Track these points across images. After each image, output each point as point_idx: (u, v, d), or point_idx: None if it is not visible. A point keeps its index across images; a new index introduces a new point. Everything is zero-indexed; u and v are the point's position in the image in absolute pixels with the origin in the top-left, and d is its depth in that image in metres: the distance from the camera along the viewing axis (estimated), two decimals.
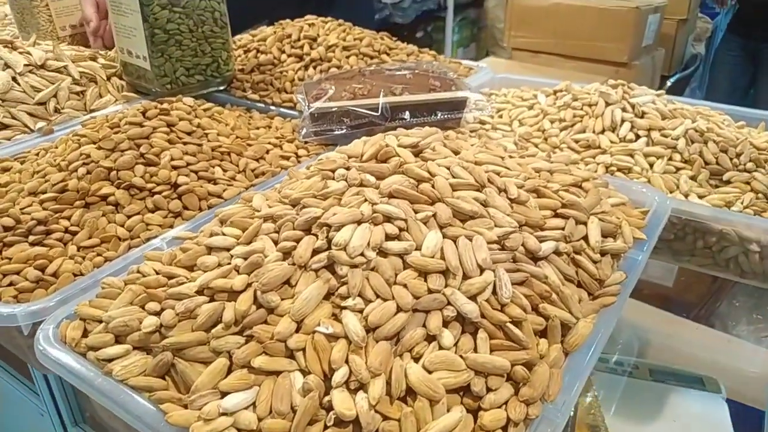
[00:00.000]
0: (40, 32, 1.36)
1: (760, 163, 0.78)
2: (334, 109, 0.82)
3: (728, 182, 0.76)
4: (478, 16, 4.83)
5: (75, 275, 0.59)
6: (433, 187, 0.53)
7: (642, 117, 0.82)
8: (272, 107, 1.01)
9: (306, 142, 0.84)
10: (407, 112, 0.83)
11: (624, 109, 0.83)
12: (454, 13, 4.46)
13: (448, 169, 0.56)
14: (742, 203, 0.71)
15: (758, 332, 0.92)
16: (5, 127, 0.91)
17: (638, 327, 0.89)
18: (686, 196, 0.73)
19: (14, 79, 0.95)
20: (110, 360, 0.45)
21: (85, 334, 0.49)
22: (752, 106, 1.02)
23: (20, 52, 1.01)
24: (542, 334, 0.46)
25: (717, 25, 3.46)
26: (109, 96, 1.03)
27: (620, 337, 0.87)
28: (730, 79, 2.95)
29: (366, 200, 0.51)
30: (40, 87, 0.96)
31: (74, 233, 0.65)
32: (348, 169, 0.57)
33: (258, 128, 0.89)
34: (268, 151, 0.82)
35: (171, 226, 0.67)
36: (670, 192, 0.74)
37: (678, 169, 0.77)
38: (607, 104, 0.84)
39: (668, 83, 2.66)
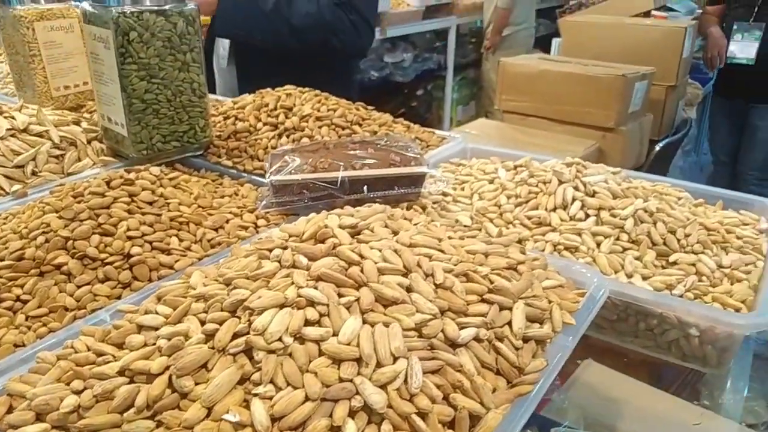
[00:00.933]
0: (36, 92, 1.42)
1: (707, 244, 0.79)
2: (294, 182, 0.84)
3: (674, 263, 0.77)
4: (477, 76, 4.96)
5: (16, 346, 0.61)
6: (361, 271, 0.55)
7: (593, 196, 0.85)
8: (244, 174, 1.04)
9: (266, 213, 0.87)
10: (366, 186, 0.86)
11: (576, 188, 0.85)
12: (454, 72, 4.59)
13: (380, 251, 0.58)
14: (684, 286, 0.72)
15: (748, 401, 0.91)
16: None
17: (609, 398, 0.88)
18: (630, 276, 0.74)
19: None
20: None
21: (11, 410, 0.50)
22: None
23: (5, 117, 1.05)
24: (451, 425, 0.47)
25: (709, 91, 3.54)
26: (88, 160, 1.07)
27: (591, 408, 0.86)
28: (720, 139, 3.06)
29: (293, 283, 0.53)
30: (20, 151, 1.00)
31: (25, 302, 0.67)
32: (285, 248, 0.59)
33: (224, 196, 0.92)
34: (228, 221, 0.84)
35: (119, 297, 0.68)
36: (615, 272, 0.75)
37: (625, 249, 0.78)
38: (560, 182, 0.87)
39: (657, 147, 2.70)
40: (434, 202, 0.93)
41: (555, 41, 3.25)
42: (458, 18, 4.26)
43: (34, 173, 1.00)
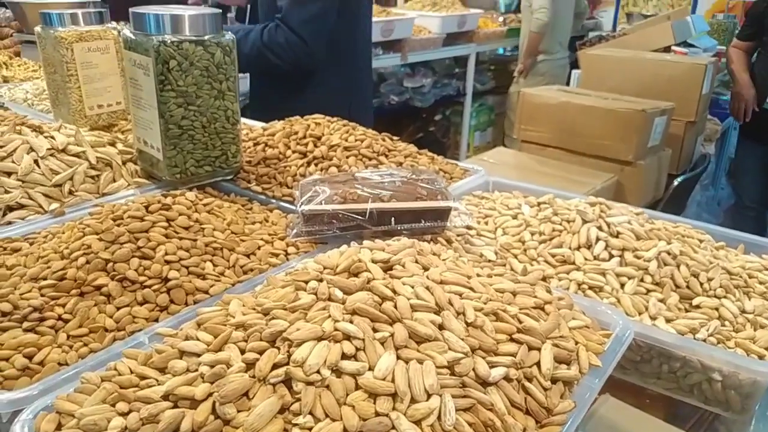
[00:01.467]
0: (71, 110, 1.47)
1: (729, 289, 0.81)
2: (324, 212, 0.87)
3: (698, 307, 0.78)
4: (495, 103, 5.01)
5: (60, 365, 0.63)
6: (395, 306, 0.57)
7: (617, 236, 0.86)
8: (273, 200, 1.07)
9: (296, 241, 0.89)
10: (393, 218, 0.88)
11: (600, 228, 0.87)
12: (473, 99, 4.64)
13: (413, 288, 0.60)
14: (707, 330, 0.73)
15: None
16: (22, 207, 0.98)
17: None
18: (654, 319, 0.76)
19: (36, 162, 1.03)
20: None
21: (59, 427, 0.52)
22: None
23: (45, 136, 1.09)
24: None
25: (729, 125, 3.55)
26: (122, 181, 1.10)
27: None
28: (747, 183, 3.02)
29: (330, 316, 0.55)
30: (59, 170, 1.04)
31: (67, 321, 0.69)
32: (320, 281, 0.61)
33: (254, 222, 0.94)
34: (259, 247, 0.86)
35: (157, 320, 0.71)
36: (639, 313, 0.77)
37: (648, 290, 0.80)
38: (584, 222, 0.88)
39: (675, 182, 2.71)
40: (458, 235, 0.95)
41: (574, 73, 3.29)
42: (478, 46, 4.32)
43: (71, 192, 1.04)
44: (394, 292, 0.59)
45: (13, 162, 1.01)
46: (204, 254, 0.81)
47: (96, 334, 0.68)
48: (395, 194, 0.91)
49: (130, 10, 1.04)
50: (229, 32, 1.06)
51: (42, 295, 0.71)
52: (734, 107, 2.98)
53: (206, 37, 1.02)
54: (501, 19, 4.67)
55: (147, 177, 1.14)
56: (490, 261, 0.88)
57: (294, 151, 1.16)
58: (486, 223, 0.99)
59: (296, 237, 0.87)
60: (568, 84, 3.56)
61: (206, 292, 0.75)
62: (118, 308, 0.71)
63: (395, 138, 1.28)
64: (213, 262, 0.80)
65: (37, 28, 1.47)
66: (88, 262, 0.75)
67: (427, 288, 0.60)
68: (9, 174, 1.00)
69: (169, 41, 0.98)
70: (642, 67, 2.67)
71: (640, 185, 2.40)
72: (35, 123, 1.13)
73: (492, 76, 5.03)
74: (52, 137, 1.09)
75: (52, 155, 1.06)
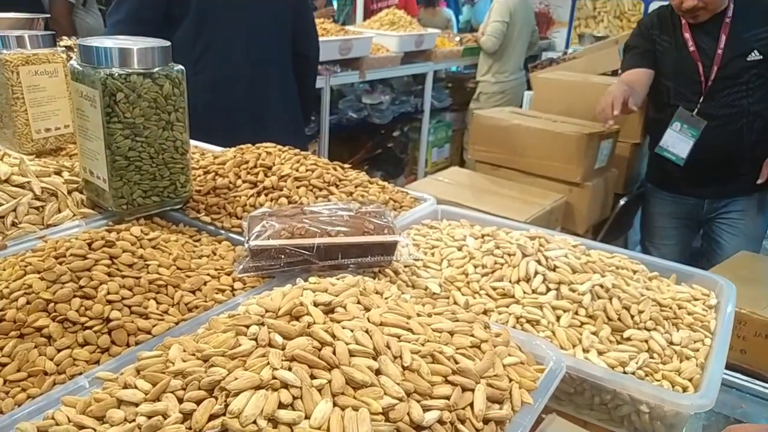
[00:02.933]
0: (16, 133, 1.44)
1: (659, 321, 0.85)
2: (272, 247, 0.88)
3: (628, 339, 0.82)
4: (452, 120, 5.10)
5: None
6: (333, 352, 0.58)
7: (554, 270, 0.90)
8: (222, 231, 1.07)
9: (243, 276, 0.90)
10: (340, 253, 0.90)
11: (539, 262, 0.91)
12: (431, 116, 4.71)
13: (352, 332, 0.62)
14: (636, 363, 0.77)
15: None
16: None
17: None
18: (587, 351, 0.79)
19: None
20: None
21: None
22: None
23: None
24: None
25: None
26: (68, 211, 1.08)
27: None
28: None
29: (269, 363, 0.56)
30: (1, 202, 1.02)
31: (4, 365, 0.68)
32: (261, 325, 0.62)
33: (201, 257, 0.94)
34: (205, 283, 0.87)
35: (98, 362, 0.70)
36: (573, 346, 0.80)
37: (582, 323, 0.83)
38: (524, 255, 0.92)
39: (621, 201, 2.81)
40: (406, 266, 0.97)
41: (527, 94, 3.39)
42: (435, 64, 4.40)
43: (14, 224, 1.02)
44: (334, 336, 0.61)
45: None
46: (148, 292, 0.81)
47: (35, 378, 0.67)
48: (342, 229, 0.92)
49: (78, 42, 1.04)
50: (179, 64, 1.07)
51: None
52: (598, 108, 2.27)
53: (155, 70, 1.02)
54: (458, 38, 4.76)
55: (92, 207, 1.13)
56: (434, 294, 0.90)
57: (245, 181, 1.16)
58: (432, 255, 1.01)
59: (243, 273, 0.88)
60: (521, 104, 3.66)
61: (148, 332, 0.75)
62: (59, 350, 0.70)
63: (346, 166, 1.30)
64: (157, 299, 0.80)
65: None
66: (28, 303, 0.74)
67: (367, 331, 0.62)
68: None
69: (116, 74, 0.98)
70: (589, 90, 2.77)
71: (587, 205, 2.48)
72: None
73: (449, 93, 5.12)
74: None
75: None
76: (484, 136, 2.67)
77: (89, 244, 0.84)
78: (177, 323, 0.78)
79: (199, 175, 1.21)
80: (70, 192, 1.12)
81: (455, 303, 0.88)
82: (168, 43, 1.06)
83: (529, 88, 3.75)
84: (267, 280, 0.91)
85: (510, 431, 0.60)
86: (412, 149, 4.86)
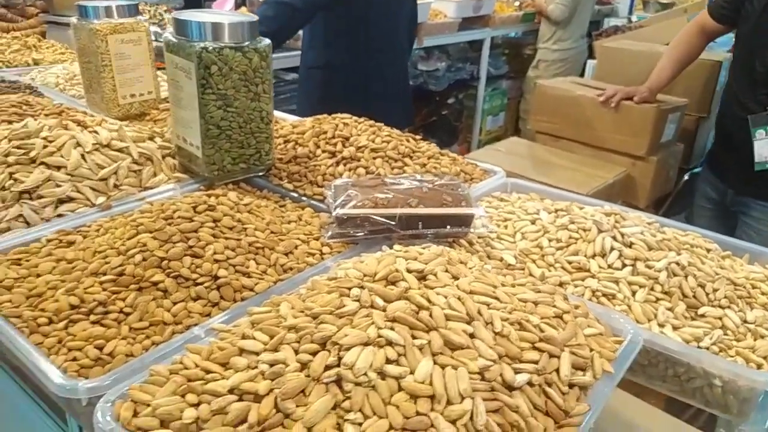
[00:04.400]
0: (104, 98, 1.54)
1: (733, 299, 0.87)
2: (357, 216, 0.93)
3: (703, 316, 0.85)
4: (508, 88, 5.02)
5: (127, 356, 0.71)
6: (430, 315, 0.63)
7: (630, 246, 0.92)
8: (304, 198, 1.13)
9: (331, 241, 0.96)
10: (420, 223, 0.94)
11: (614, 238, 0.93)
12: (486, 83, 4.66)
13: (446, 298, 0.67)
14: (710, 339, 0.80)
15: None
16: (71, 200, 1.05)
17: (626, 423, 0.95)
18: (662, 326, 0.82)
19: (83, 156, 1.10)
20: None
21: (136, 414, 0.59)
22: None
23: (90, 131, 1.16)
24: None
25: None
26: (162, 175, 1.17)
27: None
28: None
29: (373, 323, 0.62)
30: (104, 165, 1.10)
31: (128, 314, 0.77)
32: (362, 288, 0.68)
33: (290, 222, 1.01)
34: (296, 247, 0.93)
35: (209, 315, 0.78)
36: (649, 321, 0.83)
37: (658, 299, 0.86)
38: (600, 231, 0.95)
39: (686, 176, 2.75)
40: (479, 237, 1.01)
41: (590, 63, 3.31)
42: (493, 30, 4.32)
43: (115, 186, 1.10)
44: (429, 301, 0.66)
45: (61, 157, 1.08)
46: (248, 253, 0.88)
47: (156, 327, 0.75)
48: (422, 200, 0.97)
49: (173, 15, 1.10)
50: (266, 38, 1.12)
51: (104, 289, 0.79)
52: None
53: (245, 44, 1.08)
54: (517, 3, 4.65)
55: (183, 171, 1.20)
56: (510, 265, 0.94)
57: (323, 151, 1.22)
58: (505, 227, 1.05)
59: (331, 239, 0.94)
60: (583, 73, 3.58)
61: (252, 290, 0.82)
62: (174, 303, 0.78)
63: (417, 138, 1.34)
64: (256, 260, 0.87)
65: (73, 20, 1.52)
66: (144, 260, 0.82)
67: (459, 298, 0.67)
68: (58, 168, 1.07)
69: (210, 47, 1.04)
70: (656, 61, 2.69)
71: (651, 180, 2.45)
72: (79, 117, 1.19)
73: (506, 60, 5.03)
74: (96, 132, 1.16)
75: (96, 150, 1.12)
76: (546, 107, 2.65)
77: (194, 208, 0.91)
78: (275, 282, 0.84)
79: (279, 144, 1.27)
80: (163, 157, 1.20)
81: (530, 275, 0.92)
82: (255, 18, 1.11)
83: (591, 56, 3.66)
84: (350, 246, 0.97)
85: (592, 396, 0.65)
86: (467, 117, 4.83)
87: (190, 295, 0.79)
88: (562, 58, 4.28)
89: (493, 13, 4.25)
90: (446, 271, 0.74)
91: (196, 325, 0.75)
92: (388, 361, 0.59)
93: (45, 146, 1.08)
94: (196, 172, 1.18)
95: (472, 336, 0.63)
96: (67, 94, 1.76)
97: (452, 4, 3.91)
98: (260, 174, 1.21)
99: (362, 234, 0.94)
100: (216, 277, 0.82)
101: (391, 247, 0.84)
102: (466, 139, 4.84)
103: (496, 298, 0.70)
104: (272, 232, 0.94)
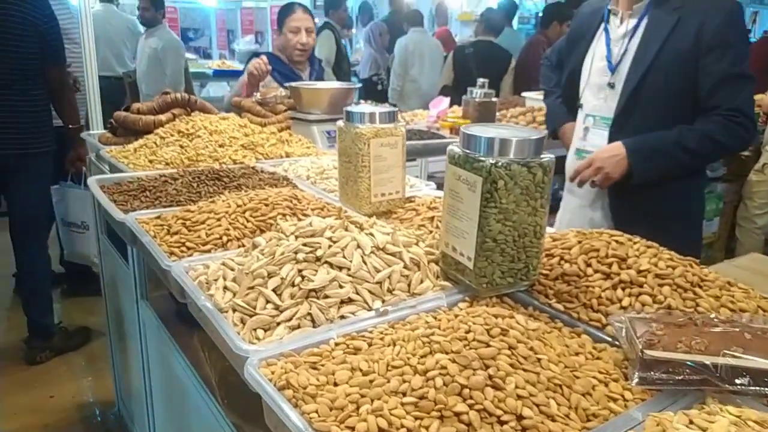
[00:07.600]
0: (358, 196, 1.63)
1: None
2: (670, 360, 0.83)
3: None
4: (723, 191, 4.57)
5: None
6: None
7: None
8: (578, 322, 1.05)
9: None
10: (747, 378, 0.81)
11: None
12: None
13: None
14: None
15: None
16: (351, 301, 1.08)
17: None
18: None
19: (362, 258, 1.14)
20: None
21: None
22: None
23: (366, 234, 1.20)
24: None
25: None
26: (428, 282, 1.16)
27: None
28: None
29: None
30: (380, 268, 1.13)
31: None
32: None
33: (578, 354, 0.93)
34: (593, 387, 0.84)
35: None
36: None
37: None
38: None
39: None
40: None
41: None
42: None
43: (389, 290, 1.12)
44: None
45: (344, 257, 1.12)
46: (547, 390, 0.81)
47: None
48: (746, 349, 0.83)
49: (462, 129, 1.12)
50: (549, 153, 1.09)
51: (407, 413, 0.76)
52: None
53: (531, 159, 1.06)
54: None
55: (446, 279, 1.20)
56: None
57: (596, 271, 1.13)
58: None
59: (641, 384, 0.84)
60: None
61: None
62: None
63: (696, 262, 1.20)
64: (555, 400, 0.80)
65: (339, 123, 1.66)
66: (445, 384, 0.79)
67: None
68: (340, 268, 1.11)
69: (500, 163, 1.04)
70: None
71: None
72: (358, 220, 1.25)
73: (723, 162, 4.60)
74: (372, 234, 1.20)
75: (372, 253, 1.16)
76: None
77: (488, 331, 0.87)
78: (580, 431, 0.76)
79: (542, 258, 1.22)
80: (428, 263, 1.21)
81: None
82: (545, 134, 1.09)
83: None
84: (653, 393, 0.85)
85: None
86: None
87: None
88: None
89: None
90: None
91: None
92: None
93: (329, 246, 1.14)
94: (461, 281, 1.16)
95: None
96: (317, 187, 1.91)
97: None
98: (521, 289, 1.15)
99: (671, 382, 0.83)
100: (520, 417, 0.75)
101: (704, 402, 0.72)
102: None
103: None
104: (566, 366, 0.87)
